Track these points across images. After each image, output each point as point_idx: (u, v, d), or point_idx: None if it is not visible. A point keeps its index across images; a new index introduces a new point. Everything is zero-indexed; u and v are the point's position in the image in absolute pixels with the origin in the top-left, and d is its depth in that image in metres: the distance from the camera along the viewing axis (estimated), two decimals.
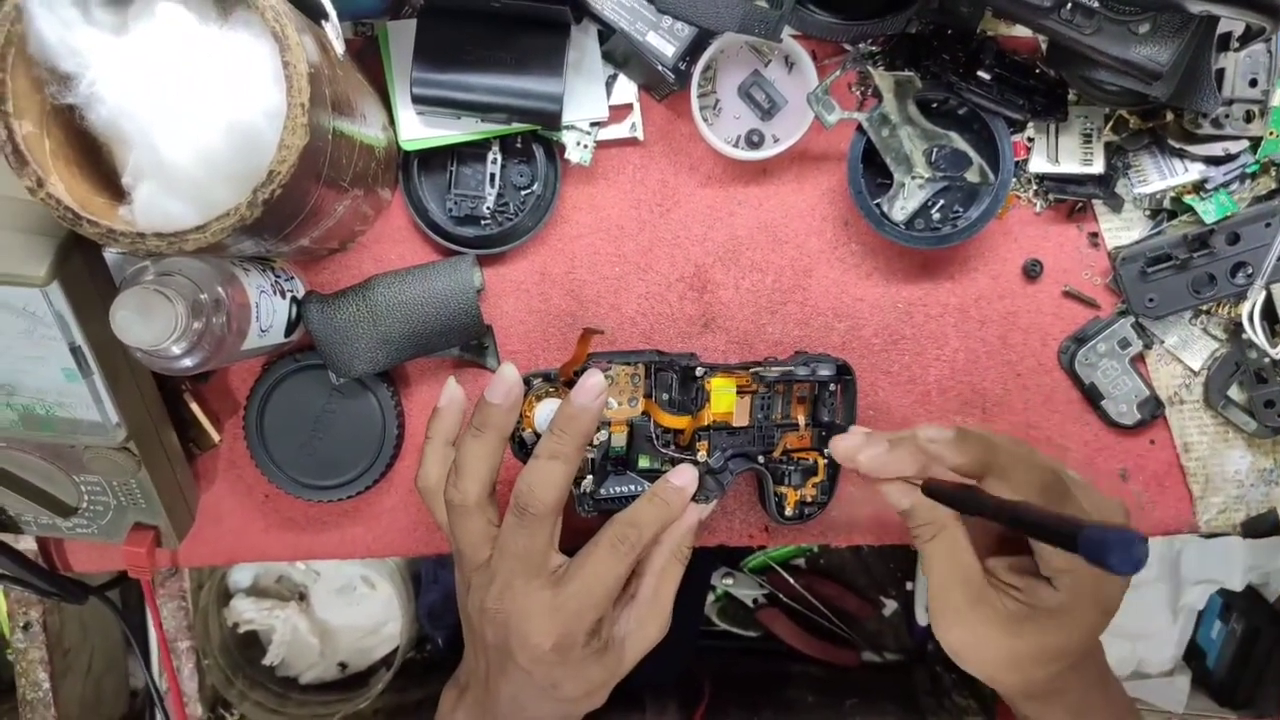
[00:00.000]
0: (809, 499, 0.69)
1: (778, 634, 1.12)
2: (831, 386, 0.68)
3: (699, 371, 0.66)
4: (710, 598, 1.14)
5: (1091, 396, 0.71)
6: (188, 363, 0.56)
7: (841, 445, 0.61)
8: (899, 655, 1.14)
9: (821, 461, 0.68)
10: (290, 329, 0.67)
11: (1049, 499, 0.54)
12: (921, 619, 1.10)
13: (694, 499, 0.64)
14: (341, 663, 1.06)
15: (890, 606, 1.14)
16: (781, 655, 1.13)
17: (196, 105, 0.50)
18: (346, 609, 1.04)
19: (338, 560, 0.92)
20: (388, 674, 0.99)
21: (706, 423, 0.67)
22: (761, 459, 0.68)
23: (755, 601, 1.13)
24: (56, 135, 0.50)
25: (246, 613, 1.00)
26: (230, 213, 0.49)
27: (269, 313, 0.63)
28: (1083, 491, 0.55)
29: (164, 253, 0.49)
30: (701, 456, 0.66)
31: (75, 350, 0.57)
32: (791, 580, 1.12)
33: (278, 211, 0.51)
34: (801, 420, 0.68)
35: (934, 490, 0.55)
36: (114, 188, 0.52)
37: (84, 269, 0.57)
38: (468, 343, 0.71)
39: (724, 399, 0.66)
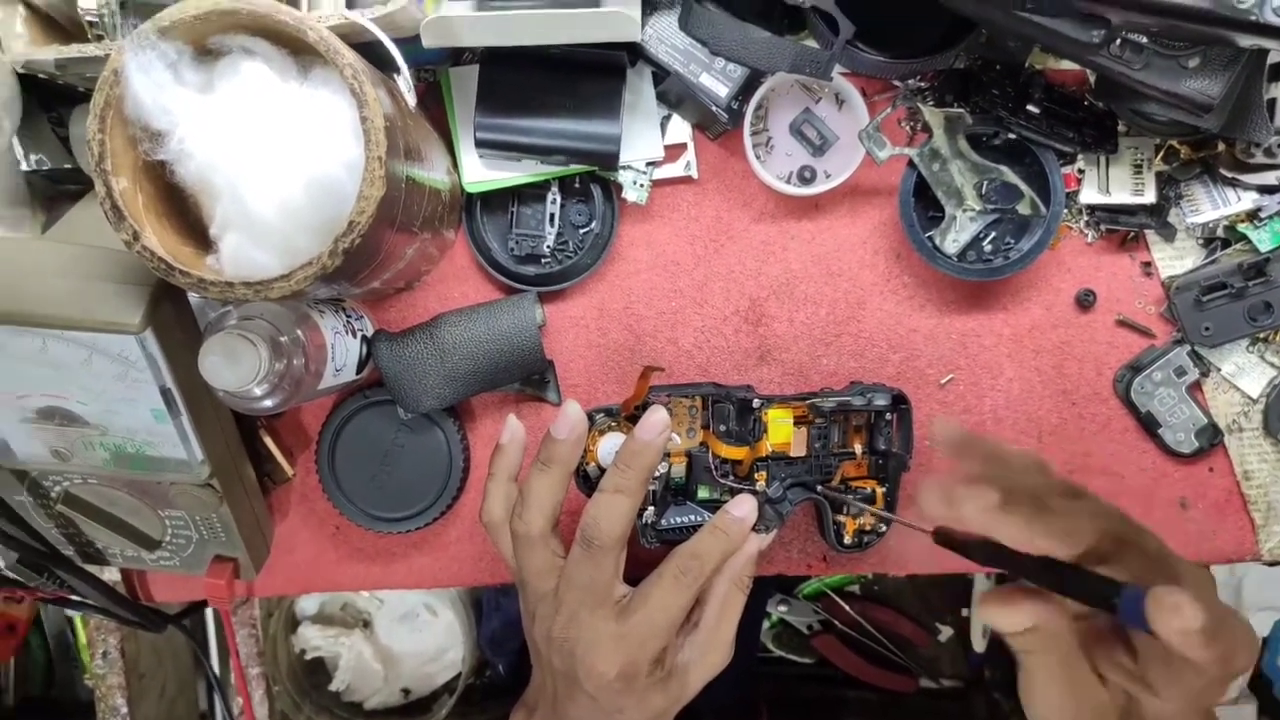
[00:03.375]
0: (868, 527, 0.69)
1: (833, 660, 1.12)
2: (888, 416, 0.68)
3: (756, 403, 0.67)
4: (765, 624, 1.14)
5: (1148, 425, 0.71)
6: (269, 404, 0.58)
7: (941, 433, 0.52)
8: (956, 682, 1.14)
9: (879, 490, 0.69)
10: (361, 367, 0.70)
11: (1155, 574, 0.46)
12: (978, 645, 1.09)
13: (754, 529, 0.65)
14: (405, 689, 1.08)
15: (946, 633, 1.14)
16: (837, 681, 1.13)
17: (279, 159, 0.52)
18: (410, 636, 1.06)
19: (404, 590, 0.95)
20: (450, 699, 1.00)
21: (764, 453, 0.68)
22: (820, 488, 0.69)
23: (810, 628, 1.13)
24: (148, 189, 0.53)
25: (313, 640, 1.02)
26: (313, 262, 0.51)
27: (343, 352, 0.66)
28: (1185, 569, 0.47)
29: (250, 300, 0.51)
30: (760, 486, 0.68)
31: (165, 392, 0.60)
32: (846, 606, 1.12)
33: (355, 258, 0.53)
34: (859, 449, 0.69)
35: (944, 539, 0.50)
36: (201, 238, 0.55)
37: (173, 316, 0.59)
38: (530, 377, 0.73)
39: (781, 429, 0.67)
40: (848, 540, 0.69)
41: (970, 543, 0.48)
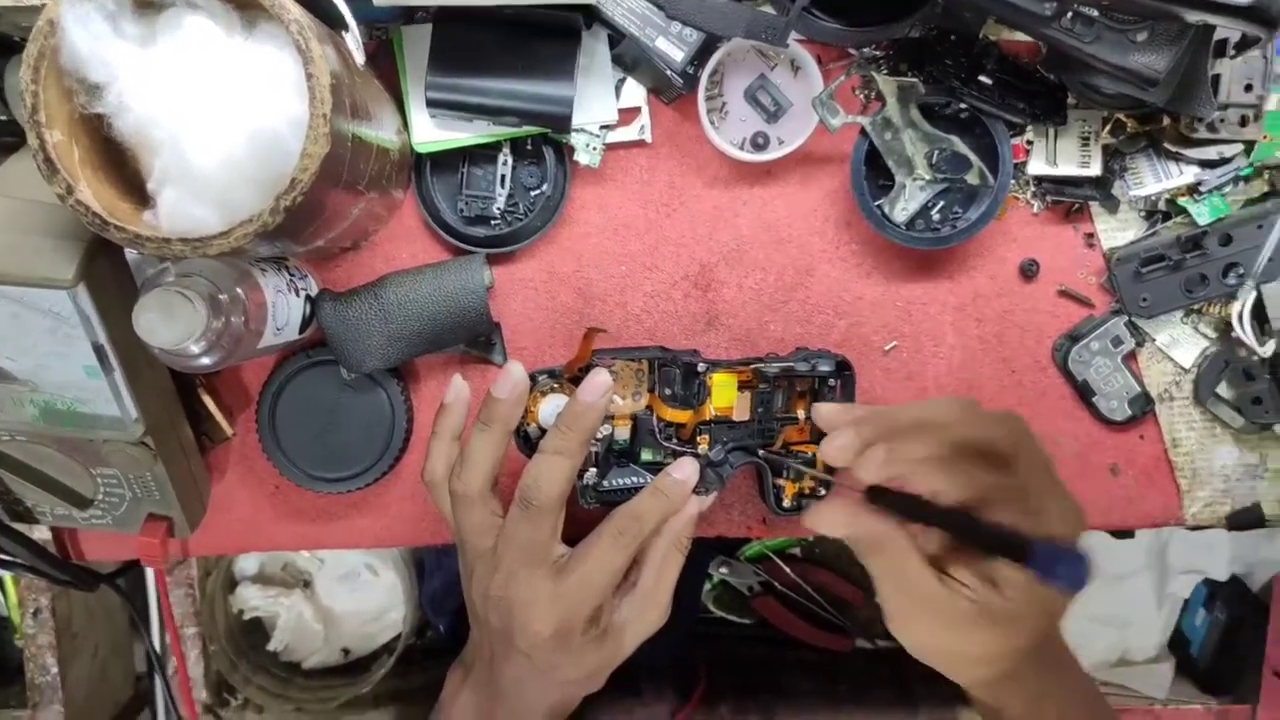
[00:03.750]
0: (807, 491, 0.71)
1: (773, 621, 1.14)
2: (831, 382, 0.69)
3: (701, 367, 0.68)
4: (706, 585, 1.16)
5: (1084, 393, 0.74)
6: (206, 361, 0.57)
7: (823, 413, 0.59)
8: (891, 642, 1.15)
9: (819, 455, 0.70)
10: (304, 326, 0.69)
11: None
12: None
13: (695, 491, 0.66)
14: (345, 649, 1.08)
15: None
16: (777, 642, 1.15)
17: (221, 113, 0.51)
18: (350, 596, 1.06)
19: (345, 550, 0.94)
20: (390, 659, 1.01)
21: (708, 417, 0.69)
22: (761, 452, 0.70)
23: (751, 589, 1.14)
24: (84, 143, 0.52)
25: (252, 600, 1.02)
26: (254, 219, 0.50)
27: (285, 311, 0.65)
28: (1052, 486, 0.54)
29: (188, 256, 0.50)
30: (702, 450, 0.68)
31: (98, 348, 0.59)
32: (787, 569, 1.13)
33: (298, 216, 0.52)
34: (801, 415, 0.70)
35: (881, 498, 0.54)
36: (139, 193, 0.54)
37: (108, 270, 0.58)
38: (476, 339, 0.73)
39: (725, 394, 0.68)
40: (787, 503, 0.71)
41: (903, 501, 0.53)
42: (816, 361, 0.68)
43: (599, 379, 0.61)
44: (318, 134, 0.50)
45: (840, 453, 0.54)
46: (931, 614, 0.55)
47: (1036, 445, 0.54)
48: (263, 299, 0.61)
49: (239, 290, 0.59)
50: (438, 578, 1.04)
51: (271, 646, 1.02)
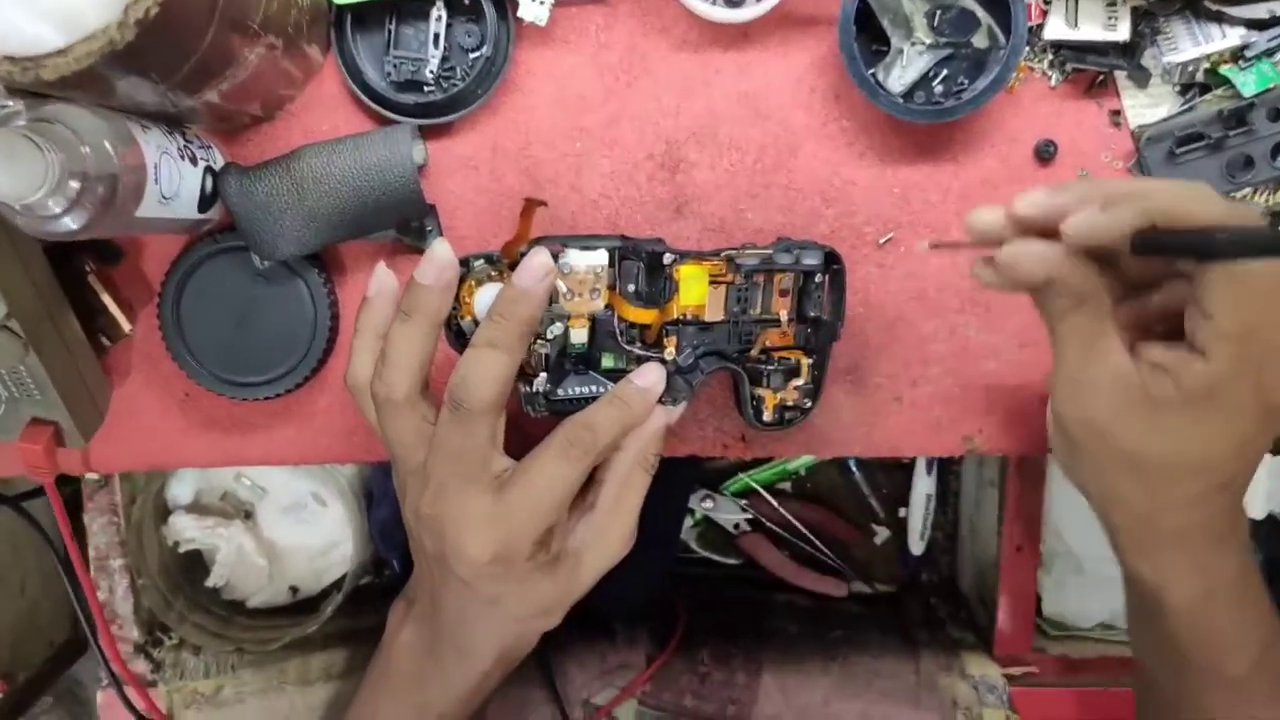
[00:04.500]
0: (790, 403, 0.63)
1: (760, 561, 1.08)
2: (818, 278, 0.62)
3: (667, 259, 0.60)
4: (689, 522, 1.10)
5: None
6: (71, 224, 0.50)
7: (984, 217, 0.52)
8: (890, 586, 1.11)
9: (805, 362, 0.63)
10: (205, 203, 0.61)
11: None
12: (915, 548, 1.06)
13: (661, 401, 0.59)
14: (293, 586, 1.02)
15: (882, 534, 1.10)
16: (764, 584, 1.09)
17: None
18: (296, 528, 0.99)
19: (268, 467, 0.88)
20: (339, 597, 0.94)
21: (675, 316, 0.61)
22: (737, 357, 0.62)
23: (737, 527, 1.09)
24: None
25: (187, 531, 0.95)
26: (98, 34, 0.42)
27: (173, 178, 0.57)
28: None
29: (20, 82, 0.43)
30: (669, 354, 0.61)
31: None
32: (776, 504, 1.08)
33: (163, 42, 0.45)
34: (783, 315, 0.63)
35: (1152, 240, 0.46)
36: None
37: None
38: (407, 224, 0.65)
39: (694, 289, 0.61)
40: (767, 416, 0.63)
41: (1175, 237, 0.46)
42: (800, 253, 0.61)
43: (538, 259, 0.54)
44: None
45: (1033, 208, 0.49)
46: (1118, 391, 0.50)
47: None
48: (141, 159, 0.53)
49: (107, 145, 0.51)
50: (385, 506, 0.97)
51: (210, 582, 0.96)
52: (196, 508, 0.97)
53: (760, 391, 0.63)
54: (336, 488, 0.97)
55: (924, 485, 1.04)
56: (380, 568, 1.08)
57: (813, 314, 0.63)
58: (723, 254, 0.61)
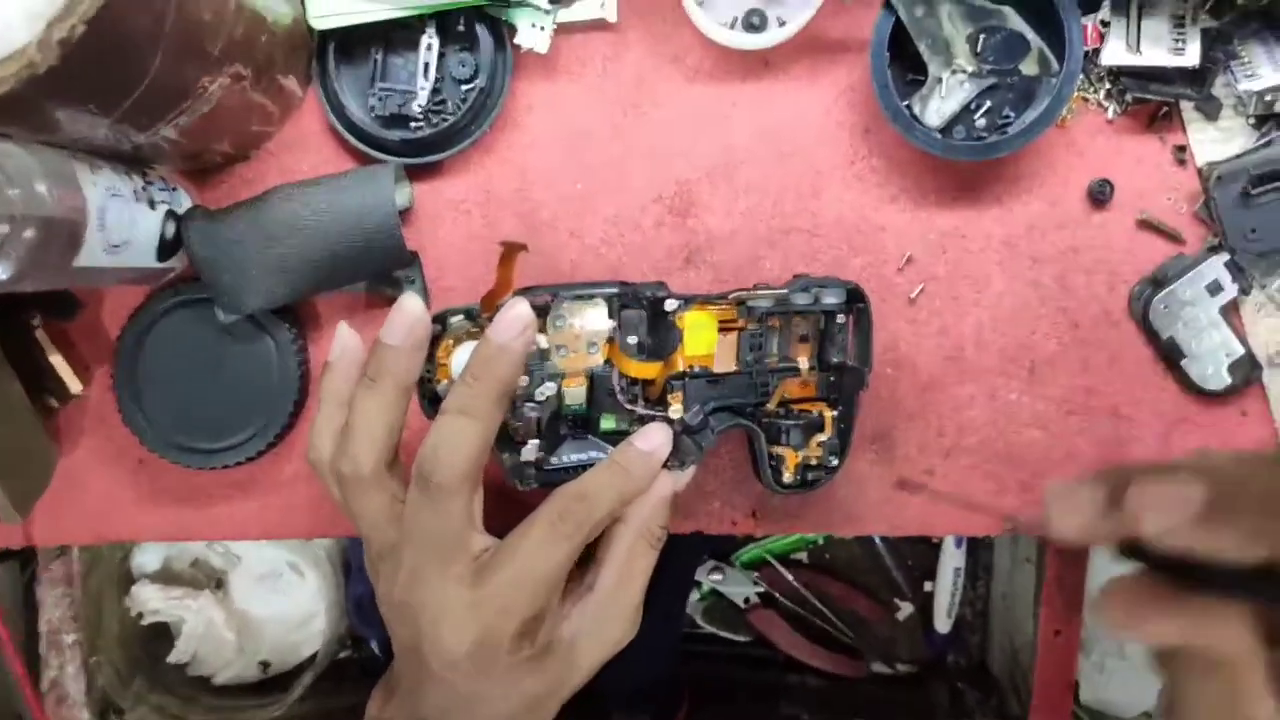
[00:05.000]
0: (813, 461, 0.57)
1: (772, 639, 1.01)
2: (840, 318, 0.56)
3: (671, 305, 0.54)
4: (695, 596, 1.03)
5: (1169, 355, 0.60)
6: None
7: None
8: (913, 667, 1.04)
9: (830, 414, 0.56)
10: (166, 251, 0.56)
11: None
12: (942, 625, 0.99)
13: (667, 465, 0.53)
14: (264, 661, 0.94)
15: (905, 610, 1.04)
16: (776, 664, 1.02)
17: None
18: (270, 599, 0.92)
19: (232, 541, 0.81)
20: (309, 677, 0.87)
21: (681, 369, 0.55)
22: (752, 413, 0.56)
23: (747, 601, 1.02)
24: None
25: (151, 601, 0.88)
26: (15, 55, 0.36)
27: (124, 223, 0.51)
28: None
29: None
30: (675, 412, 0.55)
31: None
32: (790, 577, 1.01)
33: (98, 69, 0.40)
34: (803, 363, 0.57)
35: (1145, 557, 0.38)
36: None
37: None
38: (388, 275, 0.59)
39: (702, 338, 0.55)
40: (788, 478, 0.57)
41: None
42: (820, 291, 0.55)
43: (515, 310, 0.48)
44: None
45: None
46: None
47: None
48: (81, 201, 0.47)
49: (41, 185, 0.45)
50: (363, 581, 0.90)
51: (174, 657, 0.89)
52: (164, 575, 0.91)
53: (779, 450, 0.56)
54: (314, 557, 0.90)
55: (953, 559, 0.97)
56: (360, 642, 1.01)
57: (836, 360, 0.56)
58: (732, 296, 0.55)
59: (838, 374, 0.57)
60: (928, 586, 1.02)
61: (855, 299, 0.55)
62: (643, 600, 0.53)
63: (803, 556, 1.04)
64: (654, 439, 0.52)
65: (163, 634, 0.92)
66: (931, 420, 0.62)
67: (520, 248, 0.52)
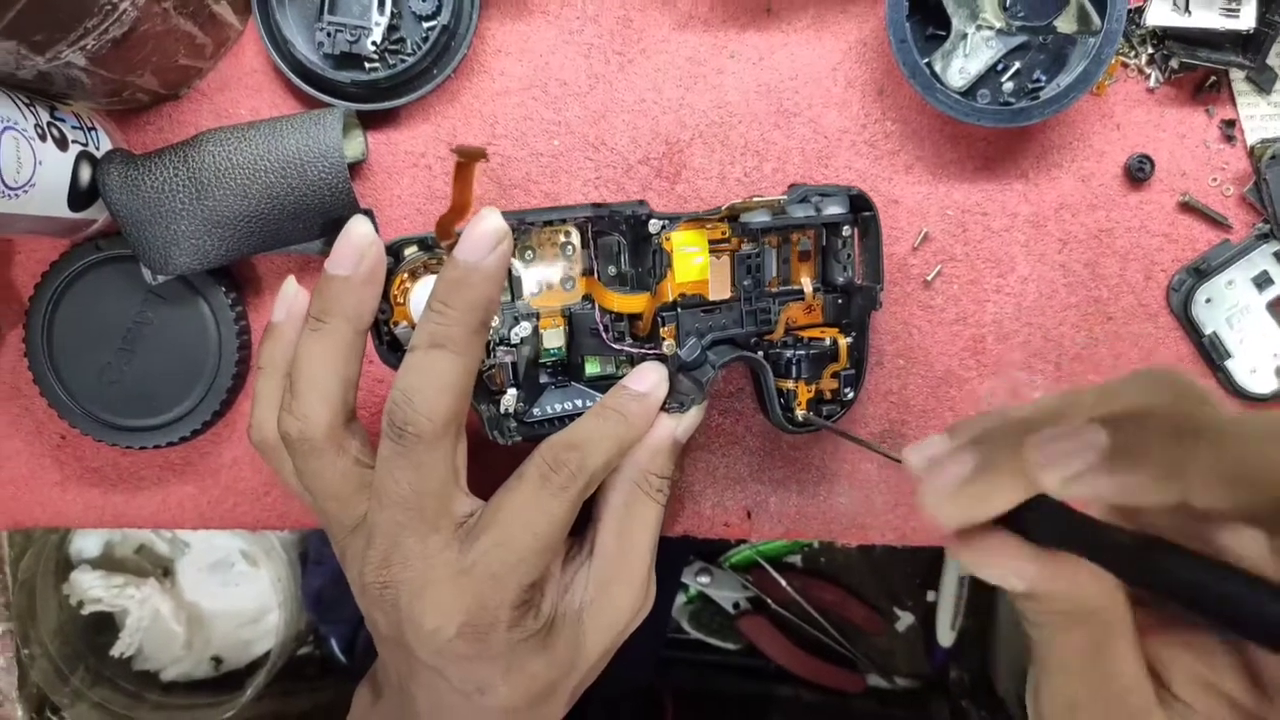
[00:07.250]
0: (828, 394, 0.52)
1: (762, 647, 0.98)
2: (845, 230, 0.51)
3: (654, 226, 0.48)
4: (681, 599, 1.00)
5: (1211, 352, 0.55)
6: None
7: (913, 458, 0.37)
8: (914, 682, 1.01)
9: (844, 341, 0.51)
10: (81, 199, 0.51)
11: None
12: (944, 638, 0.96)
13: (666, 407, 0.48)
14: (216, 657, 0.90)
15: (906, 621, 1.01)
16: (766, 674, 1.00)
17: None
18: (222, 590, 0.88)
19: (168, 530, 0.76)
20: (264, 675, 0.82)
21: (671, 298, 0.49)
22: (755, 344, 0.51)
23: (736, 606, 0.99)
24: None
25: (92, 589, 0.83)
26: None
27: (25, 162, 0.45)
28: None
29: None
30: (669, 348, 0.49)
31: None
32: (783, 582, 0.98)
33: None
34: (807, 284, 0.51)
35: (1047, 520, 0.32)
36: None
37: None
38: (337, 232, 0.53)
39: (692, 262, 0.49)
40: (800, 415, 0.51)
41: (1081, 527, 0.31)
42: (820, 200, 0.50)
43: (484, 224, 0.41)
44: None
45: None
46: None
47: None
48: None
49: None
50: (320, 573, 0.85)
51: (118, 650, 0.84)
52: (106, 561, 0.86)
53: (789, 384, 0.51)
54: (268, 546, 0.85)
55: (957, 567, 0.93)
56: (320, 639, 0.96)
57: (842, 279, 0.51)
58: (724, 208, 0.49)
59: (846, 294, 0.52)
60: (930, 596, 0.99)
61: (860, 207, 0.50)
62: (652, 563, 0.47)
63: (797, 560, 1.03)
64: (648, 379, 0.47)
65: (105, 625, 0.87)
66: (946, 417, 0.57)
67: (479, 154, 0.44)
